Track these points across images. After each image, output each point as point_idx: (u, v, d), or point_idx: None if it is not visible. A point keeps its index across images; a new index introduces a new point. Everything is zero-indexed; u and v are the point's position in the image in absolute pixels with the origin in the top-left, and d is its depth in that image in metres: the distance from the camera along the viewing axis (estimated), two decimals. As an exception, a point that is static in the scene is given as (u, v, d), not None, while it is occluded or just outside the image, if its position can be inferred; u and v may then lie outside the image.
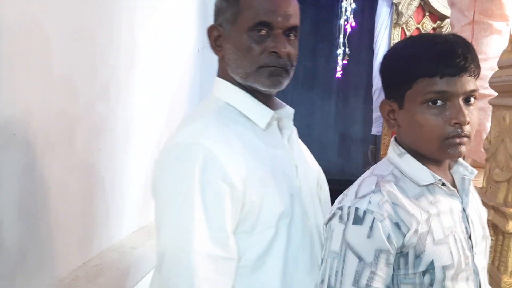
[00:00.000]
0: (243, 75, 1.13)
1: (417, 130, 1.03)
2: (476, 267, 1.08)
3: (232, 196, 1.03)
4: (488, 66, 2.60)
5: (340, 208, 1.04)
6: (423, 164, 1.07)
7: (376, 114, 4.93)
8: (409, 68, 1.02)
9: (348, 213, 1.01)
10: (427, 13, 4.41)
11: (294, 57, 1.14)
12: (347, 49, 4.25)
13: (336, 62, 5.15)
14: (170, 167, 1.06)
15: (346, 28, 4.14)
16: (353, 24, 4.07)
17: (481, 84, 2.61)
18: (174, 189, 1.04)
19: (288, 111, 1.23)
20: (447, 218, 1.06)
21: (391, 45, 4.09)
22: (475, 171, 1.13)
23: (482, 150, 2.55)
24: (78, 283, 1.57)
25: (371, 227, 0.99)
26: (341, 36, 4.22)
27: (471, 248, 1.08)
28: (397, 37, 4.23)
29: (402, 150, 1.10)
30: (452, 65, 0.98)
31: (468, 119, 0.99)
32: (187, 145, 1.05)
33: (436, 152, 1.03)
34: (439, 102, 1.00)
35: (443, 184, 1.07)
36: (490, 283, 1.71)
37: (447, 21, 4.03)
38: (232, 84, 1.17)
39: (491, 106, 2.04)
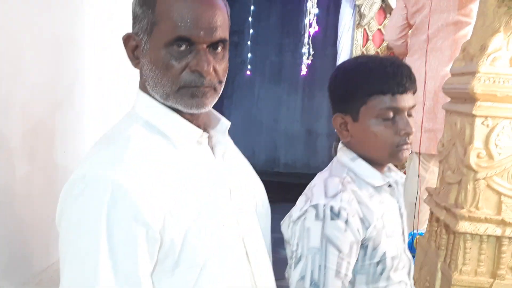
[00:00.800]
0: (162, 95, 0.99)
1: (372, 140, 1.19)
2: (408, 257, 1.27)
3: (148, 236, 0.91)
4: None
5: (315, 206, 1.13)
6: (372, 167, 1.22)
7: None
8: (365, 87, 1.17)
9: (324, 211, 1.12)
10: (388, 15, 4.49)
11: (222, 72, 1.02)
12: (311, 49, 4.30)
13: (301, 59, 5.18)
14: (74, 204, 0.92)
15: (310, 31, 4.19)
16: (316, 28, 4.11)
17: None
18: (78, 230, 0.91)
19: (222, 125, 1.11)
20: (392, 215, 1.23)
21: (354, 45, 4.14)
22: (404, 175, 1.34)
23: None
24: (42, 287, 1.57)
25: (346, 222, 1.12)
26: (306, 35, 4.26)
27: (404, 241, 1.28)
28: (359, 38, 4.29)
29: (354, 155, 1.23)
30: (400, 85, 1.16)
31: (414, 129, 1.18)
32: (94, 178, 0.91)
33: (387, 158, 1.21)
34: (390, 116, 1.17)
35: (389, 185, 1.25)
36: (442, 280, 1.81)
37: (407, 22, 4.10)
38: (155, 100, 1.02)
39: (441, 107, 2.09)
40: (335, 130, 1.26)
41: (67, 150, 1.80)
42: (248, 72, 6.25)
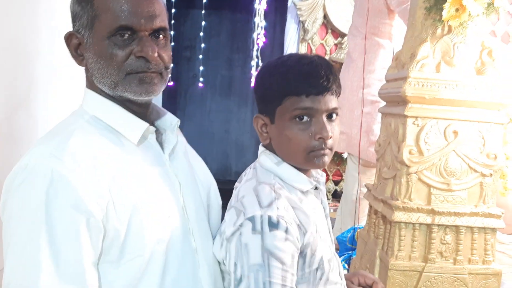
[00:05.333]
0: (111, 84, 0.97)
1: (286, 143, 1.07)
2: (337, 257, 1.18)
3: (89, 225, 0.88)
4: (376, 76, 2.84)
5: (251, 219, 1.00)
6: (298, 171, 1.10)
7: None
8: (279, 87, 1.05)
9: (262, 222, 0.99)
10: (329, 31, 4.65)
11: (167, 58, 1.01)
12: (259, 61, 4.37)
13: (250, 73, 5.26)
14: (16, 194, 0.89)
15: (258, 43, 4.26)
16: (264, 40, 4.19)
17: (369, 91, 2.84)
18: (19, 220, 0.88)
19: (172, 122, 1.09)
20: (320, 217, 1.12)
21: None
22: (324, 174, 1.22)
23: (370, 149, 2.77)
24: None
25: (286, 231, 0.99)
26: (255, 49, 4.33)
27: (332, 241, 1.16)
28: (304, 51, 4.42)
29: (279, 158, 1.11)
30: (316, 85, 1.03)
31: (330, 134, 1.05)
32: (34, 168, 0.88)
33: (303, 163, 1.08)
34: (305, 118, 1.04)
35: (316, 188, 1.14)
36: (380, 266, 1.87)
37: (346, 37, 4.26)
38: (100, 95, 1.00)
39: (377, 111, 2.21)
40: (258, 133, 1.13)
41: (23, 154, 1.75)
42: (200, 85, 6.25)
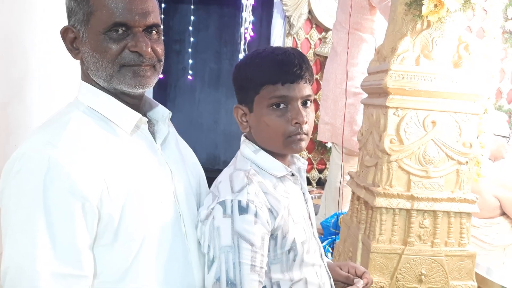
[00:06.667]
0: (106, 77, 0.98)
1: (265, 130, 1.09)
2: (318, 240, 1.20)
3: (84, 210, 0.89)
4: (359, 69, 2.87)
5: (221, 204, 1.02)
6: (274, 158, 1.13)
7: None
8: (256, 76, 1.07)
9: (232, 206, 1.01)
10: (314, 25, 4.66)
11: (161, 52, 1.03)
12: (247, 54, 4.37)
13: (238, 65, 5.24)
14: (13, 181, 0.89)
15: (246, 37, 4.26)
16: (252, 34, 4.19)
17: (352, 83, 2.87)
18: (17, 205, 0.89)
19: (164, 113, 1.11)
20: (297, 202, 1.15)
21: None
22: (306, 162, 1.25)
23: (353, 139, 2.80)
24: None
25: (255, 214, 1.01)
26: (242, 43, 4.32)
27: (311, 225, 1.19)
28: (289, 45, 4.43)
29: (257, 147, 1.13)
30: (290, 73, 1.05)
31: (305, 119, 1.07)
32: (32, 156, 0.89)
33: (282, 148, 1.10)
34: (282, 106, 1.07)
35: (292, 175, 1.16)
36: (362, 249, 1.91)
37: (330, 32, 4.28)
38: (95, 87, 1.01)
39: (359, 103, 2.24)
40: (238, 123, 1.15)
41: (19, 145, 1.73)
42: (190, 77, 6.23)
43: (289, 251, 1.08)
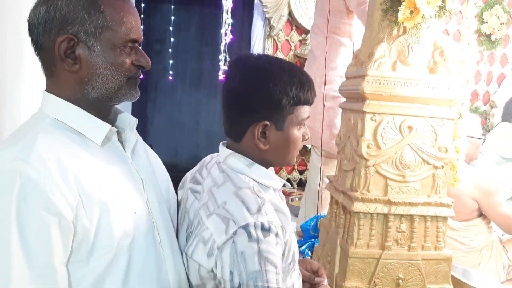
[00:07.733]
0: (113, 89, 1.00)
1: (291, 147, 1.13)
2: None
3: (60, 226, 0.87)
4: (337, 73, 2.86)
5: (245, 228, 0.97)
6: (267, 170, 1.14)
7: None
8: (293, 96, 1.08)
9: (255, 230, 0.97)
10: (294, 27, 4.65)
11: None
12: (227, 56, 4.34)
13: (219, 65, 5.23)
14: None
15: (226, 39, 4.24)
16: (231, 37, 4.17)
17: (331, 87, 2.87)
18: None
19: (130, 121, 1.10)
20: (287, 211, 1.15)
21: (265, 53, 4.23)
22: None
23: (332, 142, 2.80)
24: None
25: (276, 235, 0.99)
26: (223, 44, 4.30)
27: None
28: (270, 47, 4.41)
29: (250, 160, 1.11)
30: (313, 95, 1.14)
31: None
32: (3, 172, 0.85)
33: (288, 163, 1.16)
34: (302, 125, 1.15)
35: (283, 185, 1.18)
36: (341, 254, 1.90)
37: (309, 34, 4.27)
38: (62, 99, 0.99)
39: (338, 106, 2.23)
40: (256, 139, 1.10)
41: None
42: (170, 78, 6.17)
43: (290, 262, 1.09)
